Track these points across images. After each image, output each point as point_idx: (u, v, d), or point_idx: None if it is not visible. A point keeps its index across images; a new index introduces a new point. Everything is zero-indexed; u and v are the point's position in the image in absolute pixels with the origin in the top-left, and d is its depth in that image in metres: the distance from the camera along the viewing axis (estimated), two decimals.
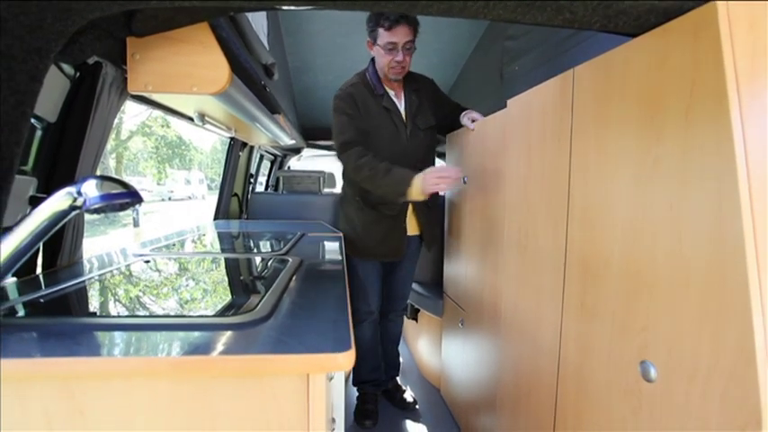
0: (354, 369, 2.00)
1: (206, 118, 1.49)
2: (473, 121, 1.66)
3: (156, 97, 1.26)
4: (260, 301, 0.70)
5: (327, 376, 0.78)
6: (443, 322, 2.09)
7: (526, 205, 1.20)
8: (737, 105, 0.61)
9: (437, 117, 1.84)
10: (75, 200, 0.53)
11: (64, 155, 0.96)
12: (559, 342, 1.03)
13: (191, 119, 1.57)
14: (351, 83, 1.75)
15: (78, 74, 0.95)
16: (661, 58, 0.73)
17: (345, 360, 0.50)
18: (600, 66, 0.89)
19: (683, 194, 0.69)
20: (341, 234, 1.78)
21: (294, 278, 0.91)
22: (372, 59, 1.75)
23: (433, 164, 1.92)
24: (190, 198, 22.89)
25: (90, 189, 0.53)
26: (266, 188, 3.91)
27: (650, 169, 0.75)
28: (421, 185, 1.50)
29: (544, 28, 1.56)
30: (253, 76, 1.34)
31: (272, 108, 1.86)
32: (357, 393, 2.01)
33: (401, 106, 1.78)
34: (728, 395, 0.60)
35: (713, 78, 0.63)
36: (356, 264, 1.80)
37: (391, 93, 1.77)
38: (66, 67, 0.92)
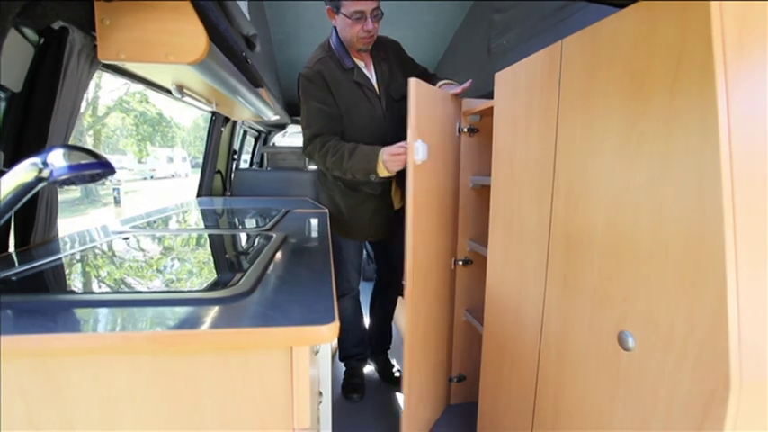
0: (340, 344, 2.02)
1: (185, 90, 1.43)
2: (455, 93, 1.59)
3: (130, 67, 1.20)
4: (243, 276, 0.69)
5: (312, 349, 0.78)
6: None
7: (512, 180, 1.20)
8: (723, 78, 0.61)
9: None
10: (40, 171, 0.50)
11: (32, 127, 0.91)
12: (542, 314, 1.05)
13: (169, 91, 1.50)
14: (317, 58, 1.59)
15: (43, 40, 0.90)
16: (649, 29, 0.72)
17: (329, 332, 0.50)
18: (588, 37, 0.87)
19: (665, 169, 0.69)
20: (326, 210, 1.76)
21: (278, 253, 0.90)
22: (335, 28, 1.60)
23: None
24: (173, 176, 22.42)
25: (57, 159, 0.50)
26: (251, 165, 3.84)
27: (635, 143, 0.75)
28: (384, 163, 1.46)
29: (532, 1, 1.53)
30: (233, 47, 1.28)
31: (254, 81, 1.80)
32: (344, 368, 2.04)
33: (372, 78, 1.66)
34: (701, 363, 0.63)
35: (700, 50, 0.63)
36: (339, 241, 1.78)
37: (361, 64, 1.64)
38: (28, 32, 0.87)
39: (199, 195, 2.40)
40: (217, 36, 1.12)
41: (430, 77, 1.79)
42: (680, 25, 0.66)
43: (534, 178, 1.08)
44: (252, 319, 0.53)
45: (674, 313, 0.67)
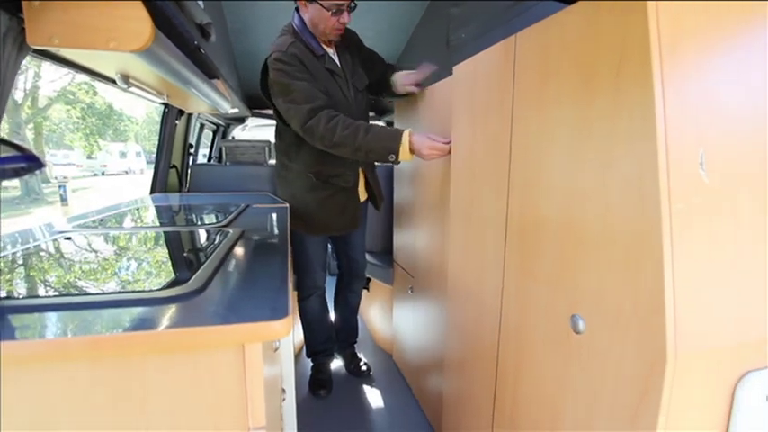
0: (306, 341, 2.00)
1: (131, 80, 1.35)
2: (416, 84, 1.62)
3: (66, 54, 1.12)
4: (194, 274, 0.66)
5: (272, 346, 0.77)
6: (394, 290, 2.13)
7: (471, 174, 1.22)
8: (660, 75, 0.65)
9: (367, 74, 1.74)
10: None
11: None
12: (501, 303, 1.08)
13: (113, 81, 1.41)
14: (288, 42, 1.51)
15: None
16: (595, 26, 0.75)
17: (282, 327, 0.49)
18: (540, 32, 0.90)
19: (610, 159, 0.72)
20: (286, 205, 1.72)
21: (234, 250, 0.87)
22: (297, 11, 1.54)
23: None
24: (126, 173, 21.25)
25: None
26: (209, 159, 3.70)
27: (583, 136, 0.78)
28: (416, 147, 1.35)
29: None
30: (184, 36, 1.22)
31: (209, 72, 1.73)
32: (311, 364, 2.02)
33: (339, 67, 1.64)
34: (642, 339, 0.67)
35: (640, 48, 0.66)
36: (302, 239, 1.73)
37: (330, 51, 1.61)
38: None
39: (152, 192, 2.29)
40: (164, 23, 1.05)
41: (387, 68, 1.77)
42: (622, 24, 0.69)
43: (491, 170, 1.10)
44: (202, 317, 0.51)
45: (619, 295, 0.71)
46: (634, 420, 0.68)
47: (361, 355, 2.16)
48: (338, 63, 1.63)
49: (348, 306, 2.11)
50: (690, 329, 0.63)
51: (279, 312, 0.51)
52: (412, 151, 1.37)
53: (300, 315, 1.92)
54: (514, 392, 1.04)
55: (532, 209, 0.94)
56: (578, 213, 0.80)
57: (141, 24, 0.90)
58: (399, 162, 1.42)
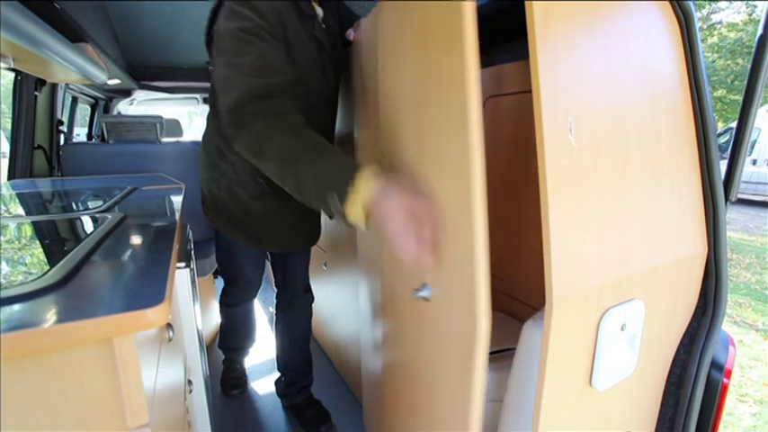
0: (221, 335, 1.84)
1: None
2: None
3: None
4: (53, 266, 0.57)
5: (164, 337, 0.70)
6: (310, 267, 2.11)
7: (363, 141, 1.25)
8: (535, 47, 0.69)
9: None
10: None
11: None
12: (382, 272, 1.15)
13: None
14: None
15: None
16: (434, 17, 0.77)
17: (157, 315, 0.44)
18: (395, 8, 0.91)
19: (444, 142, 0.76)
20: (182, 185, 1.57)
21: (110, 236, 0.76)
22: None
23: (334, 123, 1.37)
24: None
25: None
26: (89, 138, 3.22)
27: (427, 118, 0.82)
28: (375, 204, 0.77)
29: None
30: None
31: (71, 35, 1.47)
32: (223, 358, 1.88)
33: (327, 37, 1.20)
34: (463, 299, 0.74)
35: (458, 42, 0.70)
36: (241, 247, 1.41)
37: (319, 13, 1.16)
38: None
39: (11, 177, 1.92)
40: None
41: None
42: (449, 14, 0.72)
43: (372, 139, 1.13)
44: (58, 314, 0.44)
45: (452, 263, 0.77)
46: None
47: (317, 398, 1.67)
48: (325, 32, 1.18)
49: (290, 335, 1.63)
50: (565, 278, 0.71)
51: (152, 300, 0.46)
52: (368, 212, 0.78)
53: (222, 314, 1.76)
54: (394, 354, 1.12)
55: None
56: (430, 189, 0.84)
57: None
58: (346, 224, 0.82)
